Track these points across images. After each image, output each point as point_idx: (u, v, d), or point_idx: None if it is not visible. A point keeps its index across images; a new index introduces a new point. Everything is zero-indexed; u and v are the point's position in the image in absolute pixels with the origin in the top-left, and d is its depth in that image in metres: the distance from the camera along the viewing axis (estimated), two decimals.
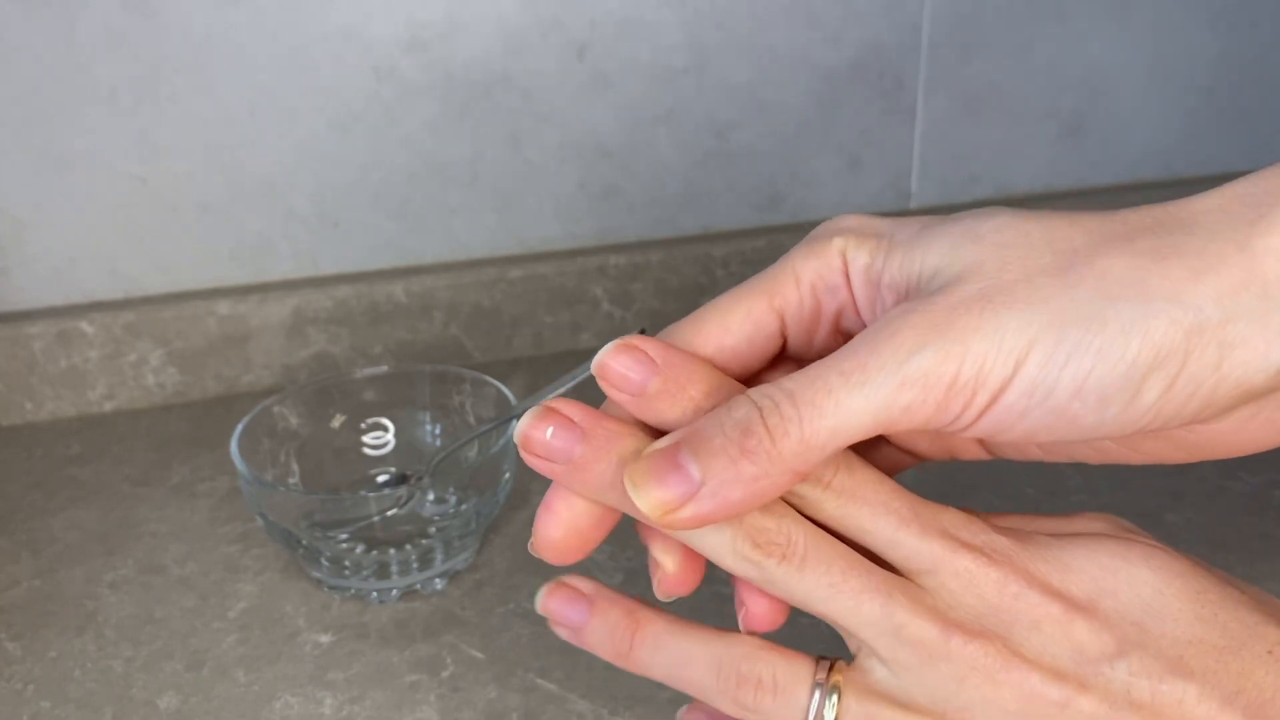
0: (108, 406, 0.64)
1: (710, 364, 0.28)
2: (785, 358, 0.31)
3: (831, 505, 0.27)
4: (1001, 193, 0.76)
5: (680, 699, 0.42)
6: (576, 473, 0.27)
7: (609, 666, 0.44)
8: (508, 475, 0.49)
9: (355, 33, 0.61)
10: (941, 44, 0.70)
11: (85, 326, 0.62)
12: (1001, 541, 0.27)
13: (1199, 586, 0.26)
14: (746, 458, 0.24)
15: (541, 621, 0.48)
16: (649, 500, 0.25)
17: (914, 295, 0.26)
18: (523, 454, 0.28)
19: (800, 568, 0.26)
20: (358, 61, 0.62)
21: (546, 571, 0.50)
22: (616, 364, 0.27)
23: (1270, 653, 0.25)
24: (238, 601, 0.48)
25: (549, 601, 0.30)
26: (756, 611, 0.28)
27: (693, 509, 0.25)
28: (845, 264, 0.28)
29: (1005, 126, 0.74)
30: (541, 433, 0.27)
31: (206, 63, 0.60)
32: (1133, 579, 0.26)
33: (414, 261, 0.67)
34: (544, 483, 0.57)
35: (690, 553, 0.28)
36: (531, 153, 0.66)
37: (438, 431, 0.54)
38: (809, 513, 0.27)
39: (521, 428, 0.27)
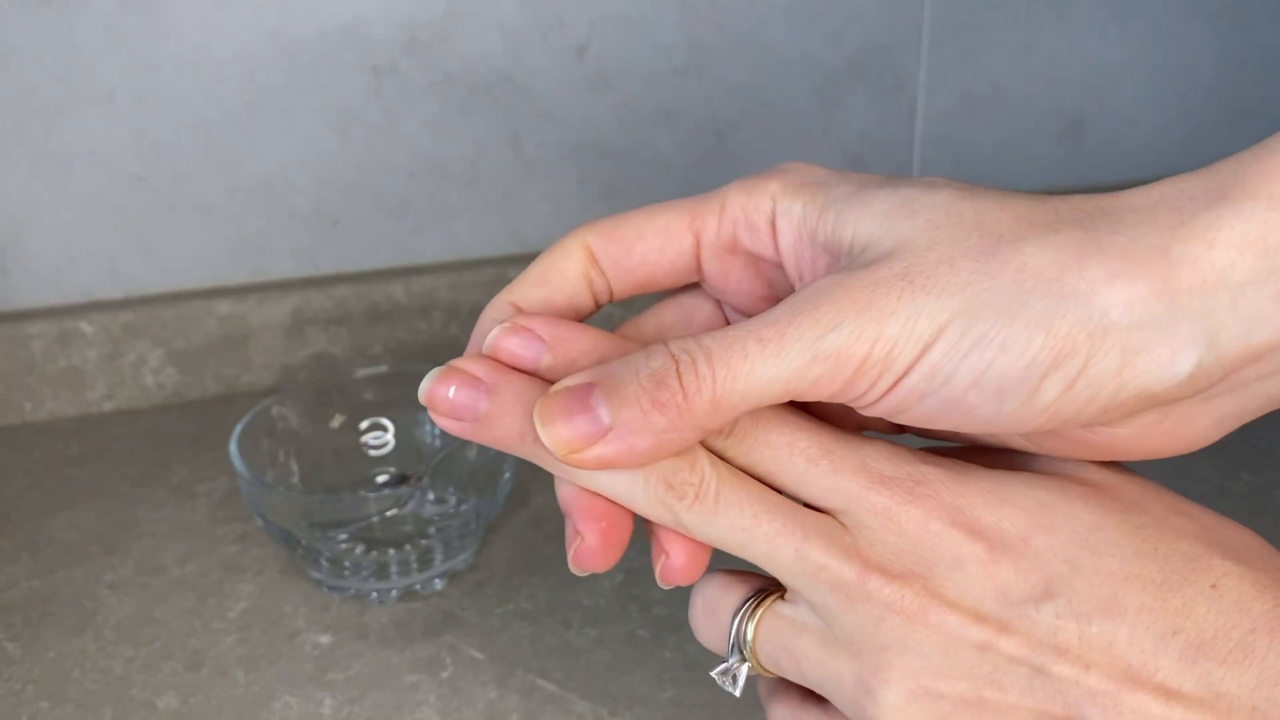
0: (107, 406, 0.64)
1: (600, 332, 0.28)
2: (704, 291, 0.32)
3: (735, 451, 0.27)
4: None
5: (682, 699, 0.42)
6: (485, 428, 0.27)
7: (609, 667, 0.44)
8: (508, 475, 0.49)
9: (354, 32, 0.61)
10: (941, 44, 0.70)
11: (84, 326, 0.62)
12: (930, 472, 0.26)
13: (1139, 522, 0.26)
14: (658, 410, 0.25)
15: (542, 622, 0.48)
16: (555, 437, 0.25)
17: (843, 261, 0.26)
18: (431, 415, 0.28)
19: (713, 510, 0.26)
20: (357, 61, 0.62)
21: (547, 572, 0.50)
22: (508, 345, 0.28)
23: (1214, 586, 0.24)
24: (237, 602, 0.48)
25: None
26: (676, 564, 0.28)
27: (598, 451, 0.25)
28: (774, 210, 0.28)
29: (1005, 126, 0.74)
30: (445, 390, 0.27)
31: (206, 63, 0.60)
32: (1070, 514, 0.26)
33: (414, 261, 0.67)
34: (544, 483, 0.57)
35: (612, 531, 0.28)
36: (531, 153, 0.66)
37: (438, 431, 0.54)
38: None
39: (424, 388, 0.27)
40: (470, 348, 0.29)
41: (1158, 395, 0.24)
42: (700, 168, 0.69)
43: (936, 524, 0.26)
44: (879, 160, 0.72)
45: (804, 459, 0.27)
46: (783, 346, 0.24)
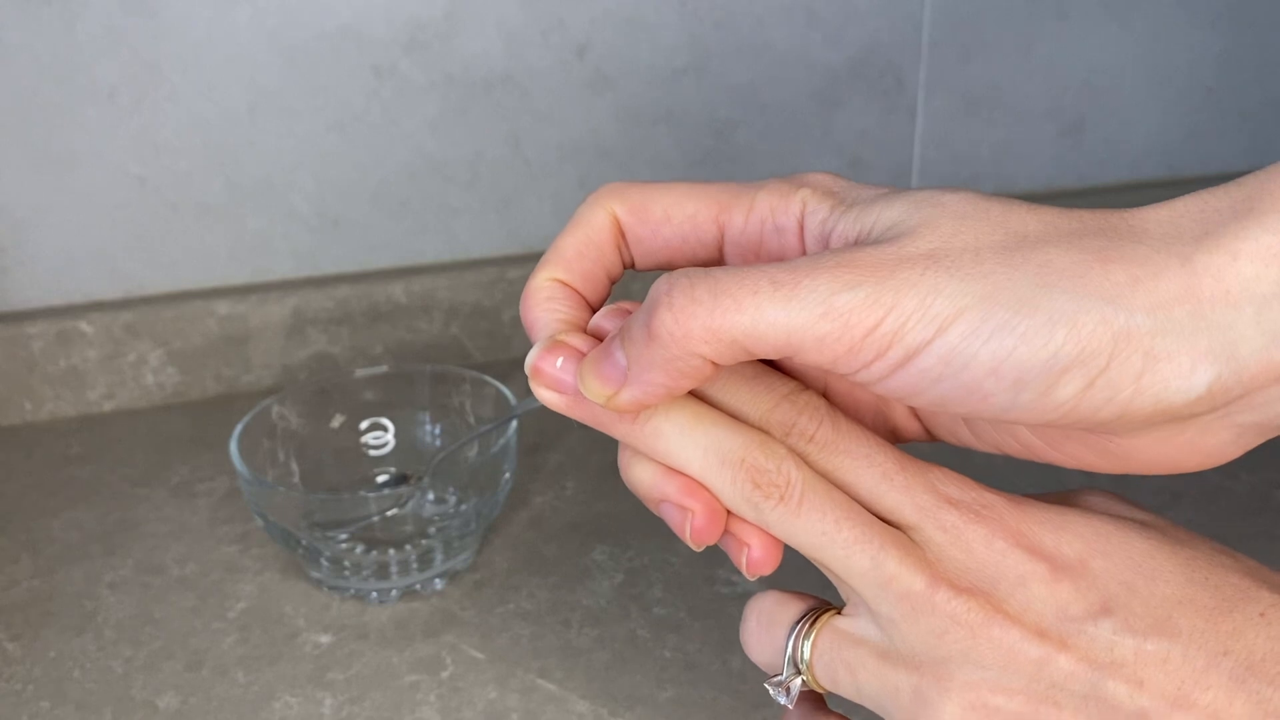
0: (107, 406, 0.64)
1: None
2: None
3: (817, 456, 0.28)
4: (1001, 192, 0.75)
5: (682, 699, 0.42)
6: (583, 402, 0.28)
7: (609, 666, 0.44)
8: (508, 475, 0.49)
9: (355, 32, 0.61)
10: (941, 44, 0.70)
11: (85, 326, 0.62)
12: (992, 499, 0.27)
13: (1188, 555, 0.27)
14: (654, 339, 0.25)
15: (541, 621, 0.48)
16: (591, 389, 0.27)
17: (867, 241, 0.27)
18: (532, 385, 0.28)
19: (796, 511, 0.27)
20: (358, 61, 0.62)
21: (547, 572, 0.50)
22: (608, 323, 0.29)
23: (1263, 615, 0.25)
24: (237, 602, 0.48)
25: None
26: (756, 555, 0.28)
27: (626, 394, 0.26)
28: (803, 214, 0.29)
29: (1005, 126, 0.74)
30: (551, 364, 0.28)
31: (206, 63, 0.60)
32: (1125, 542, 0.27)
33: (414, 261, 0.67)
34: (544, 483, 0.57)
35: (714, 499, 0.29)
36: (531, 153, 0.66)
37: (438, 431, 0.54)
38: None
39: (531, 359, 0.28)
40: (532, 333, 0.29)
41: (1174, 407, 0.24)
42: (700, 168, 0.69)
43: (1001, 543, 0.26)
44: (879, 160, 0.72)
45: (880, 472, 0.27)
46: (796, 293, 0.24)
